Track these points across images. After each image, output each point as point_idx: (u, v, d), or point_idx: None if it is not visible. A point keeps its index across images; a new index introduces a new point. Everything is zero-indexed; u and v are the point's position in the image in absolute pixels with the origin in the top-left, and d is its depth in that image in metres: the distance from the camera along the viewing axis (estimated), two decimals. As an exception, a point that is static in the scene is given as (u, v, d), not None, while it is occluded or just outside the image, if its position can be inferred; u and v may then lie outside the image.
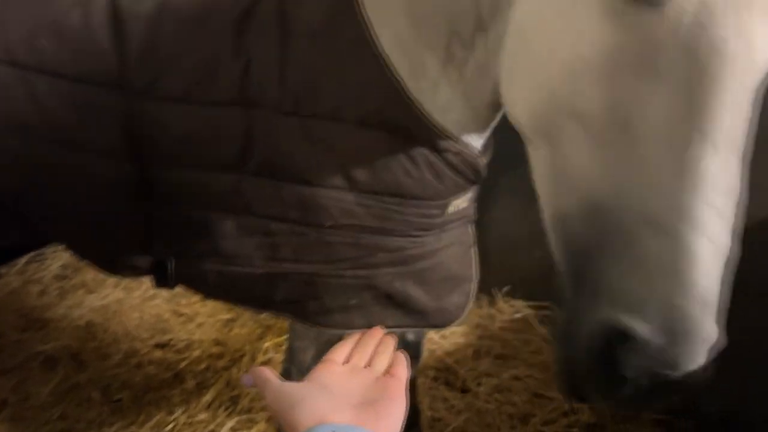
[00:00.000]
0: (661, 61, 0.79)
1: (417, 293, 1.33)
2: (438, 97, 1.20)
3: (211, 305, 2.53)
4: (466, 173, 1.29)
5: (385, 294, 1.31)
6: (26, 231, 1.50)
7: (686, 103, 0.77)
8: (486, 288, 2.55)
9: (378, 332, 1.22)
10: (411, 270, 1.31)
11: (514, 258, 2.47)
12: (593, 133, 0.86)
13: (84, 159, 1.29)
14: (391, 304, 1.32)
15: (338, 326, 1.33)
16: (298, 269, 1.29)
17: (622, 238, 0.82)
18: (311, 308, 1.33)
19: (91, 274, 2.69)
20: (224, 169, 1.25)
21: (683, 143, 0.77)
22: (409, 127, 1.18)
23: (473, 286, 1.45)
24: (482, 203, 1.50)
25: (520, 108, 1.05)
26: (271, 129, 1.21)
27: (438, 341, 2.42)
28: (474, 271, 1.48)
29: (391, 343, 1.19)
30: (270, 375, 0.99)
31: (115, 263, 1.43)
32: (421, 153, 1.21)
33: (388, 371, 1.06)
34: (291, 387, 0.95)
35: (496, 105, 1.24)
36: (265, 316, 2.41)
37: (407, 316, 1.34)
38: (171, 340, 2.41)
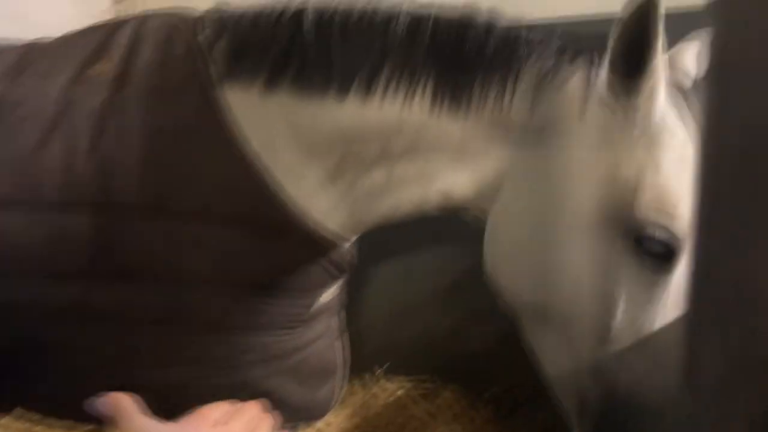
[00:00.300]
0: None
1: (291, 388, 1.31)
2: (317, 202, 1.25)
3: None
4: (337, 268, 1.32)
5: (260, 393, 1.25)
6: None
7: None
8: (368, 367, 2.55)
9: (258, 407, 1.10)
10: (284, 366, 1.30)
11: (391, 335, 2.51)
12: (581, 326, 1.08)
13: None
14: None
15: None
16: (163, 378, 1.22)
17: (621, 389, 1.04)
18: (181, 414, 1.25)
19: None
20: (69, 277, 1.18)
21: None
22: (281, 225, 1.20)
23: (340, 376, 1.46)
24: (355, 284, 1.54)
25: (510, 292, 1.21)
26: (132, 230, 1.18)
27: (324, 429, 2.35)
28: (341, 361, 1.49)
29: (267, 423, 1.08)
30: (130, 405, 0.87)
31: None
32: (294, 249, 1.22)
33: None
34: (153, 427, 0.88)
35: (382, 220, 1.30)
36: None
37: (282, 412, 1.31)
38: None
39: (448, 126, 1.17)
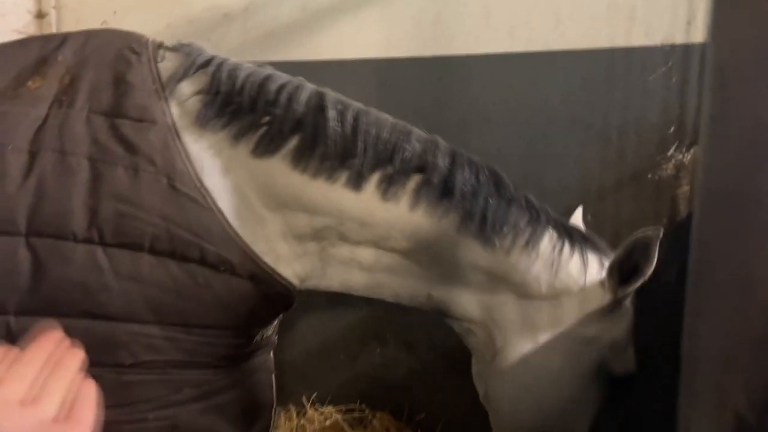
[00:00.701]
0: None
1: (222, 428, 1.28)
2: (275, 247, 1.24)
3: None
4: (281, 305, 1.31)
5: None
6: None
7: None
8: (295, 398, 2.52)
9: (50, 340, 0.77)
10: (216, 403, 1.26)
11: (318, 365, 2.51)
12: None
13: None
14: None
15: None
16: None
17: None
18: None
19: None
20: None
21: None
22: (230, 261, 1.18)
23: (273, 411, 1.44)
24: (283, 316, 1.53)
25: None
26: (64, 260, 1.12)
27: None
28: (273, 395, 1.47)
29: (72, 363, 0.77)
30: None
31: None
32: (239, 284, 1.20)
33: (68, 414, 0.69)
34: None
35: (340, 289, 1.35)
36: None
37: None
38: None
39: (473, 248, 1.30)
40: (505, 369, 1.36)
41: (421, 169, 1.27)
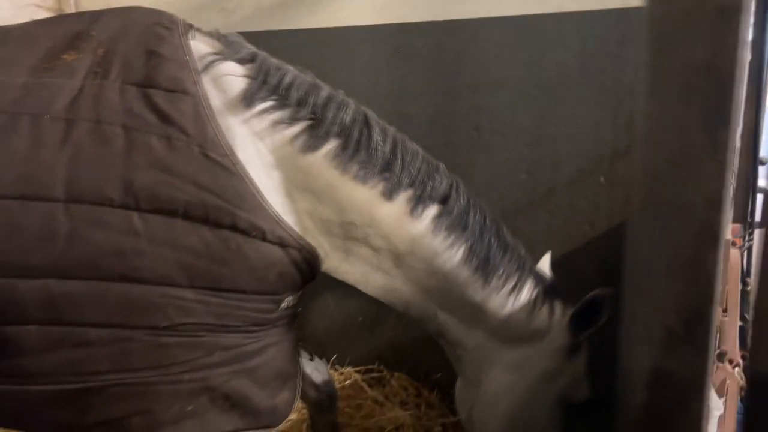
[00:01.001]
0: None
1: (253, 391, 1.32)
2: (301, 221, 1.33)
3: None
4: (308, 273, 1.36)
5: (223, 395, 1.28)
6: None
7: None
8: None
9: None
10: (246, 367, 1.31)
11: (338, 328, 2.57)
12: None
13: None
14: (227, 407, 1.30)
15: None
16: (120, 380, 1.20)
17: None
18: (136, 425, 1.23)
19: None
20: (37, 275, 1.14)
21: None
22: (261, 227, 1.23)
23: (299, 380, 1.49)
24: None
25: None
26: (98, 224, 1.16)
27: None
28: (299, 365, 1.51)
29: None
30: None
31: None
32: (269, 250, 1.25)
33: None
34: None
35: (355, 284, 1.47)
36: None
37: (242, 418, 1.33)
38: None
39: (472, 282, 1.47)
40: (486, 400, 1.58)
41: (444, 200, 1.42)
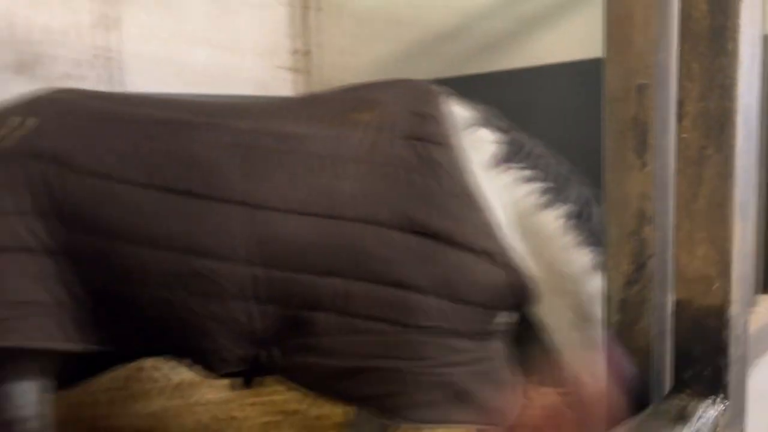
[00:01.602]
0: None
1: (489, 393, 1.52)
2: (521, 255, 1.54)
3: (260, 409, 2.64)
4: (521, 297, 1.56)
5: (459, 391, 1.50)
6: (144, 340, 1.66)
7: None
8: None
9: None
10: (479, 370, 1.53)
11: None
12: None
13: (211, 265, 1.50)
14: (463, 402, 1.50)
15: (424, 420, 1.49)
16: (388, 365, 1.47)
17: None
18: (399, 402, 1.49)
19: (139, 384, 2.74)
20: (334, 274, 1.46)
21: None
22: (492, 252, 1.48)
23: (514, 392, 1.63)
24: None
25: None
26: (380, 243, 1.45)
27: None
28: (511, 377, 1.65)
29: None
30: None
31: (217, 358, 1.58)
32: (495, 272, 1.49)
33: None
34: None
35: None
36: (311, 418, 2.56)
37: (474, 413, 1.51)
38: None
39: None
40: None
41: None
